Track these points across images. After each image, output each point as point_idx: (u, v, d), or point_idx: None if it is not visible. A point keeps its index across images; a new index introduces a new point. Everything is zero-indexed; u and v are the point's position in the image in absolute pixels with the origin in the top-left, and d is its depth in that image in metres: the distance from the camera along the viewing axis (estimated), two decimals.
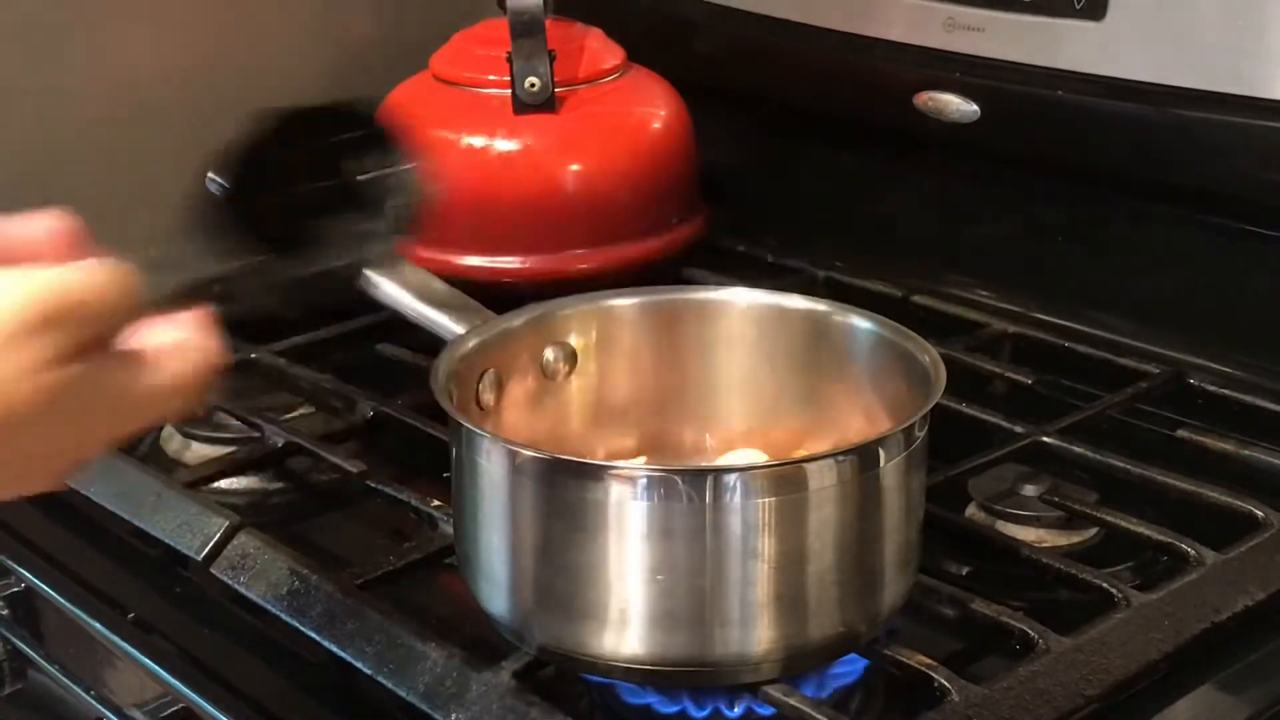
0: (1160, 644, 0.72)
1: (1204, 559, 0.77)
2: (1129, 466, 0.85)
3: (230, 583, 0.79)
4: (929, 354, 0.73)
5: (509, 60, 1.06)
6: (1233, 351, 0.96)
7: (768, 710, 0.69)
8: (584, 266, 1.07)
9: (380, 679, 0.71)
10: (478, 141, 1.07)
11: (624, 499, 0.65)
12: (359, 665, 0.72)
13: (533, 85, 1.06)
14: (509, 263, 1.07)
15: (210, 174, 0.91)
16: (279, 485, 0.93)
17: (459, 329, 0.78)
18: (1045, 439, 0.88)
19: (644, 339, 0.82)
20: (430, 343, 0.80)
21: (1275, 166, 0.91)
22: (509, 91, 1.06)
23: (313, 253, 0.55)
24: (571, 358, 0.80)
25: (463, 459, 0.70)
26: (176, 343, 0.59)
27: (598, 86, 1.10)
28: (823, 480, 0.66)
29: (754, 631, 0.67)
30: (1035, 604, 0.76)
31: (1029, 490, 0.85)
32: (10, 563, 0.86)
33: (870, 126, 1.11)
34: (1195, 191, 0.96)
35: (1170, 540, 0.79)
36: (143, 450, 0.97)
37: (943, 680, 0.68)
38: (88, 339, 0.55)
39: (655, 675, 0.69)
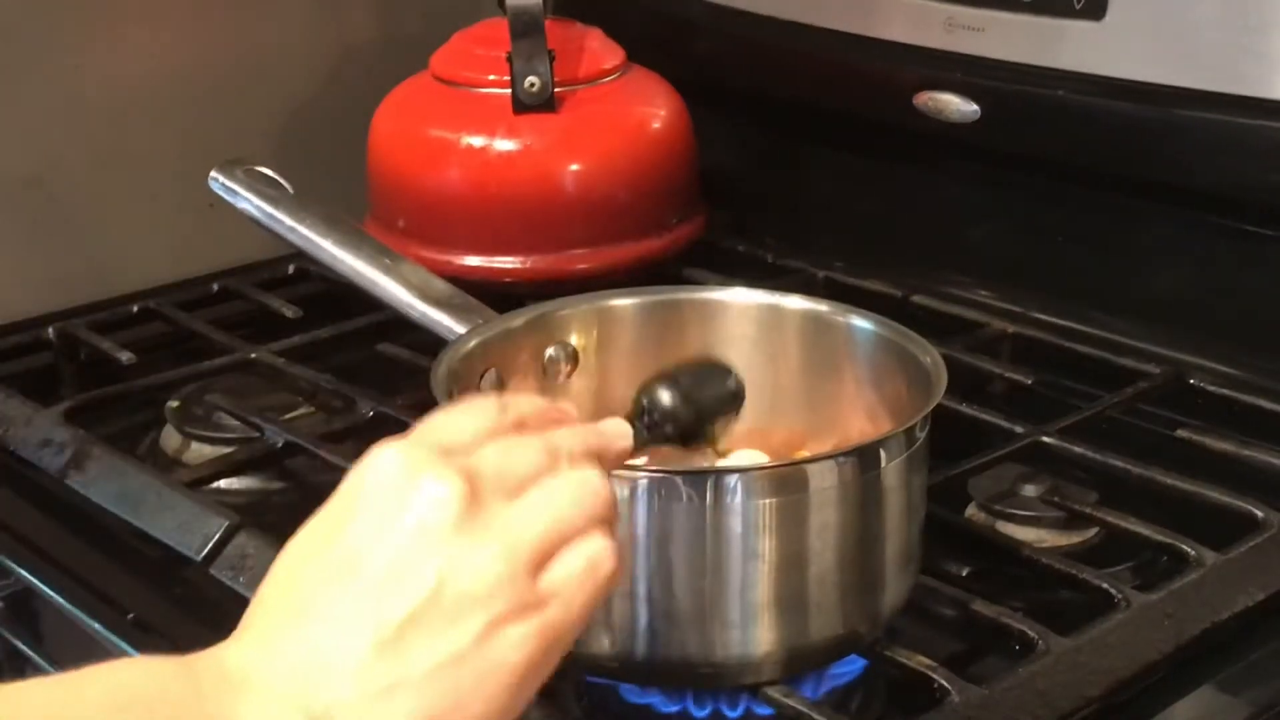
0: (1160, 644, 0.72)
1: (1204, 559, 0.77)
2: (1129, 466, 0.85)
3: (230, 583, 0.79)
4: (930, 354, 0.73)
5: (509, 60, 1.06)
6: (1233, 351, 0.96)
7: (768, 711, 0.69)
8: (584, 266, 1.07)
9: None
10: (478, 141, 1.07)
11: (625, 500, 0.65)
12: None
13: (533, 85, 1.06)
14: (509, 263, 1.07)
15: (213, 173, 0.92)
16: (279, 485, 0.93)
17: (460, 328, 0.79)
18: (1045, 439, 0.88)
19: (644, 339, 0.82)
20: (430, 343, 0.80)
21: (1275, 166, 0.91)
22: (509, 91, 1.06)
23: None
24: (573, 357, 0.80)
25: None
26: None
27: (598, 86, 1.10)
28: (824, 481, 0.66)
29: (755, 632, 0.67)
30: (1035, 604, 0.76)
31: (1029, 490, 0.85)
32: (10, 563, 0.86)
33: (870, 126, 1.11)
34: (1195, 191, 0.96)
35: (1170, 540, 0.79)
36: (143, 450, 0.97)
37: (943, 681, 0.68)
38: None
39: (656, 676, 0.69)
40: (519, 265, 1.07)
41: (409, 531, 0.53)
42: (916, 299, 1.07)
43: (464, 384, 0.74)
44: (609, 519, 0.56)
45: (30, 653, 0.87)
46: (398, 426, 0.93)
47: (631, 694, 0.71)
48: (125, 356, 1.03)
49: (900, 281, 1.08)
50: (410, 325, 0.83)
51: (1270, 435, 0.89)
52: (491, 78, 1.08)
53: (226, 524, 0.81)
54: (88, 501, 0.87)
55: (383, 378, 1.00)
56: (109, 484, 0.87)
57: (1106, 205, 1.02)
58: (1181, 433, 0.91)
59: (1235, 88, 0.91)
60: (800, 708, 0.68)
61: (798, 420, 0.81)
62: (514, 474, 0.55)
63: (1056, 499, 0.84)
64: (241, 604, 0.78)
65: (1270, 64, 0.90)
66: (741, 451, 0.79)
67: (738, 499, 0.65)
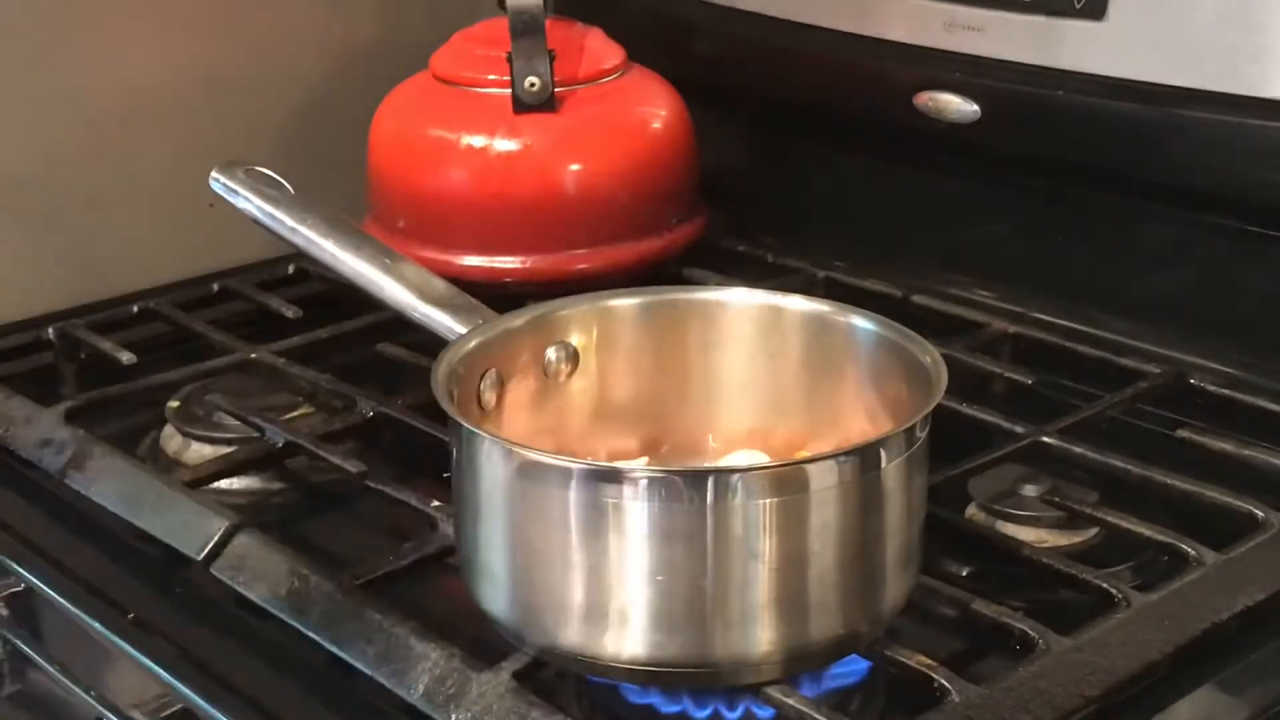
0: (1160, 644, 0.72)
1: (1204, 559, 0.77)
2: (1129, 466, 0.85)
3: (230, 583, 0.79)
4: (930, 354, 0.73)
5: (509, 60, 1.06)
6: (1233, 351, 0.96)
7: (767, 711, 0.69)
8: (584, 266, 1.07)
9: (380, 679, 0.71)
10: (478, 141, 1.07)
11: (625, 500, 0.65)
12: (359, 665, 0.72)
13: (533, 85, 1.06)
14: (509, 263, 1.07)
15: (214, 173, 0.92)
16: (279, 485, 0.93)
17: (460, 329, 0.79)
18: (1045, 439, 0.88)
19: (644, 339, 0.82)
20: (430, 343, 0.80)
21: (1275, 166, 0.91)
22: (509, 91, 1.06)
23: None
24: (573, 358, 0.80)
25: (463, 459, 0.70)
26: None
27: (598, 86, 1.10)
28: (824, 481, 0.66)
29: (755, 633, 0.67)
30: (1035, 604, 0.76)
31: (1029, 490, 0.85)
32: (10, 563, 0.86)
33: (870, 126, 1.11)
34: (1195, 191, 0.96)
35: (1170, 540, 0.79)
36: (143, 450, 0.97)
37: (943, 680, 0.68)
38: None
39: (656, 676, 0.69)
40: (519, 265, 1.07)
41: None
42: (916, 299, 1.07)
43: (464, 384, 0.74)
44: None
45: (31, 653, 0.87)
46: (398, 426, 0.94)
47: (632, 694, 0.71)
48: (125, 357, 1.03)
49: (900, 281, 1.08)
50: (410, 325, 0.83)
51: (1270, 435, 0.90)
52: (491, 78, 1.08)
53: (226, 524, 0.81)
54: (88, 501, 0.87)
55: (383, 378, 1.00)
56: (109, 484, 0.87)
57: (1106, 205, 1.02)
58: (1181, 433, 0.91)
59: (1235, 88, 0.91)
60: (800, 708, 0.68)
61: (798, 420, 0.81)
62: None
63: (1057, 499, 0.84)
64: (242, 604, 0.79)
65: (1270, 64, 0.90)
66: (741, 451, 0.80)
67: (738, 499, 0.65)
